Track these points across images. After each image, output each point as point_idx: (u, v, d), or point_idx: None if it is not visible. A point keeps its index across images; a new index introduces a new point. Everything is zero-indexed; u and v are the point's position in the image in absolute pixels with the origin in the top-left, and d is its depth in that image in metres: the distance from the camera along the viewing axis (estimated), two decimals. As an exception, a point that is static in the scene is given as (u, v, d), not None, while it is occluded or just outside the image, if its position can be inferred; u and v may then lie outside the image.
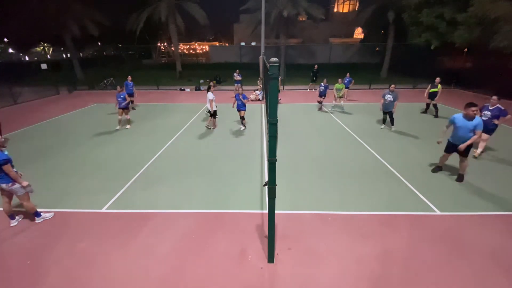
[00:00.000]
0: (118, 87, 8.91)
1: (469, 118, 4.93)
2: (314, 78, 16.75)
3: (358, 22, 23.57)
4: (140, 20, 21.22)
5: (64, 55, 33.12)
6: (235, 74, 14.55)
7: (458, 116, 5.10)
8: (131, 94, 10.90)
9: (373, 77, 17.84)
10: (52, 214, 4.44)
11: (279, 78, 10.94)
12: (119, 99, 8.68)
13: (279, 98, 10.52)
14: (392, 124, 8.75)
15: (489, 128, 6.15)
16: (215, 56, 31.27)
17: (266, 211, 3.55)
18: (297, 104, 13.10)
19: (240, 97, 8.50)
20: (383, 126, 9.03)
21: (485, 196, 4.91)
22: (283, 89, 16.93)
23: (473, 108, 4.85)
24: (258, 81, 15.07)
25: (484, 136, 6.26)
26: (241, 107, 8.66)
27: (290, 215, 4.41)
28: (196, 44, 47.98)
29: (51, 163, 6.48)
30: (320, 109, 11.69)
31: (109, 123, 9.53)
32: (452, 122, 5.22)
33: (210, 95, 8.46)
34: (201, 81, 18.71)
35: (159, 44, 35.88)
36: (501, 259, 3.46)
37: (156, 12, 20.87)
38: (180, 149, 7.34)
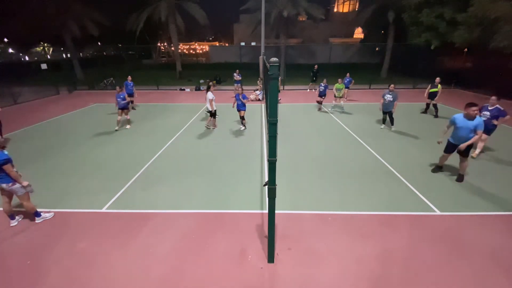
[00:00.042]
0: (118, 88, 8.91)
1: (470, 118, 4.92)
2: (314, 78, 16.76)
3: (358, 22, 23.59)
4: (140, 20, 21.23)
5: (64, 55, 33.14)
6: (235, 74, 14.55)
7: (459, 116, 5.10)
8: (131, 94, 10.90)
9: (373, 77, 17.84)
10: (52, 214, 4.44)
11: (279, 78, 10.94)
12: (118, 99, 8.68)
13: (279, 98, 10.52)
14: (392, 124, 8.75)
15: (488, 128, 6.15)
16: (215, 56, 31.27)
17: (266, 211, 3.55)
18: (297, 104, 13.10)
19: (240, 97, 8.50)
20: (383, 126, 9.03)
21: (485, 196, 4.91)
22: (283, 89, 16.93)
23: (474, 108, 4.85)
24: (258, 81, 15.07)
25: (483, 136, 6.26)
26: (241, 107, 8.66)
27: (290, 215, 4.41)
28: (196, 44, 48.00)
29: (51, 163, 6.48)
30: (319, 109, 11.68)
31: (109, 123, 9.53)
32: (452, 122, 5.21)
33: (209, 95, 8.47)
34: (201, 81, 18.71)
35: (159, 44, 35.90)
36: (501, 259, 3.46)
37: (156, 12, 20.88)
38: (180, 149, 7.34)
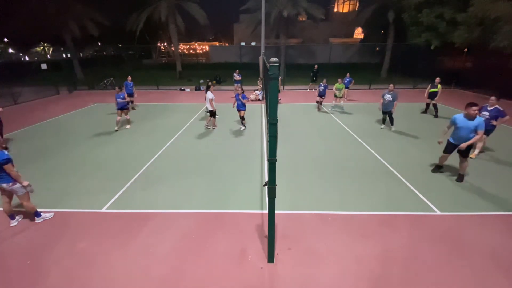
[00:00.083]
0: (117, 88, 8.91)
1: (470, 118, 4.92)
2: (314, 78, 16.76)
3: (358, 22, 23.58)
4: (140, 20, 21.23)
5: (64, 55, 33.10)
6: (235, 74, 14.55)
7: (459, 116, 5.09)
8: (131, 94, 10.90)
9: (373, 77, 17.84)
10: (52, 214, 4.44)
11: (279, 78, 10.94)
12: (118, 99, 8.68)
13: (279, 98, 10.52)
14: (392, 124, 8.75)
15: (487, 128, 6.14)
16: (215, 56, 31.28)
17: (266, 211, 3.55)
18: (297, 104, 13.10)
19: (240, 97, 8.50)
20: (383, 126, 9.03)
21: (485, 196, 4.91)
22: (283, 89, 16.93)
23: (474, 108, 4.84)
24: (258, 81, 15.07)
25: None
26: (240, 107, 8.66)
27: (290, 215, 4.41)
28: (196, 44, 47.96)
29: (51, 163, 6.48)
30: (318, 109, 11.67)
31: (109, 123, 9.53)
32: (453, 123, 5.21)
33: (209, 95, 8.47)
34: (201, 81, 18.72)
35: (159, 44, 35.87)
36: (501, 259, 3.46)
37: (156, 12, 20.89)
38: (180, 149, 7.34)
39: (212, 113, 8.80)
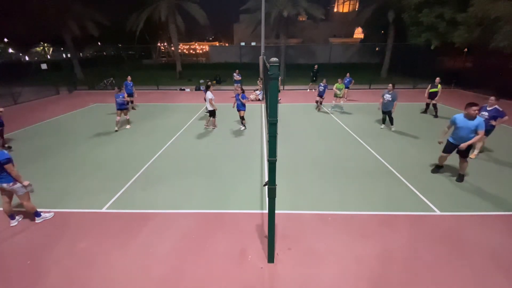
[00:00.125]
0: (116, 88, 8.92)
1: (470, 117, 4.92)
2: (314, 78, 16.77)
3: (358, 22, 23.59)
4: (140, 20, 21.24)
5: (64, 55, 33.10)
6: (234, 74, 14.55)
7: (459, 116, 5.09)
8: (130, 94, 10.90)
9: (373, 77, 17.84)
10: (52, 214, 4.44)
11: (279, 78, 10.94)
12: (117, 99, 8.68)
13: (279, 98, 10.52)
14: (392, 124, 8.74)
15: (486, 128, 6.14)
16: (215, 56, 31.30)
17: (266, 211, 3.55)
18: (297, 104, 13.10)
19: (240, 97, 8.50)
20: (383, 126, 9.03)
21: (485, 196, 4.91)
22: (283, 89, 16.93)
23: (474, 108, 4.84)
24: (258, 81, 15.07)
25: None
26: (240, 107, 8.66)
27: (290, 215, 4.41)
28: (196, 44, 47.98)
29: (51, 163, 6.48)
30: (318, 109, 11.66)
31: (109, 123, 9.53)
32: (453, 122, 5.21)
33: (209, 95, 8.47)
34: (201, 81, 18.72)
35: (159, 44, 35.87)
36: (501, 259, 3.46)
37: (156, 12, 20.89)
38: (180, 149, 7.34)
39: (212, 113, 8.80)
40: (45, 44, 30.97)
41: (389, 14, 18.88)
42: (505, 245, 3.70)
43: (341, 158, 6.65)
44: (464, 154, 5.22)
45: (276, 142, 2.75)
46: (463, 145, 5.00)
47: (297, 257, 3.52)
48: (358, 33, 34.28)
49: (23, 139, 8.28)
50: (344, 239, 3.85)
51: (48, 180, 5.66)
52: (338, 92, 11.43)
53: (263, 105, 12.32)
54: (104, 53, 33.15)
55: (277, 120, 2.67)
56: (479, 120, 4.91)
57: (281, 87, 16.44)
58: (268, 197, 3.03)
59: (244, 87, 9.67)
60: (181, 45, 36.69)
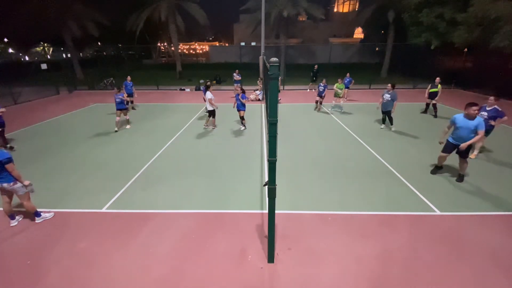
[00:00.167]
0: (115, 88, 8.92)
1: (470, 118, 4.92)
2: (314, 78, 16.77)
3: (358, 22, 23.60)
4: (140, 20, 21.24)
5: (64, 55, 33.09)
6: (234, 74, 14.55)
7: (459, 116, 5.09)
8: (130, 94, 10.91)
9: (373, 77, 17.85)
10: (52, 214, 4.44)
11: (279, 78, 10.94)
12: (117, 99, 8.68)
13: (279, 98, 10.52)
14: (391, 123, 8.74)
15: (485, 129, 6.15)
16: (215, 56, 31.33)
17: (266, 211, 3.55)
18: (297, 104, 13.11)
19: (240, 97, 8.50)
20: (383, 126, 9.03)
21: (485, 196, 4.91)
22: (283, 89, 16.93)
23: (474, 108, 4.84)
24: (258, 81, 15.08)
25: None
26: (240, 107, 8.66)
27: (290, 215, 4.41)
28: (196, 44, 47.98)
29: (51, 163, 6.48)
30: (318, 109, 11.66)
31: (109, 123, 9.53)
32: (453, 122, 5.21)
33: (209, 94, 8.47)
34: (201, 81, 18.71)
35: (159, 44, 35.89)
36: (501, 259, 3.46)
37: (156, 12, 20.90)
38: (180, 149, 7.34)
39: (212, 113, 8.80)
40: (45, 44, 30.97)
41: (389, 14, 18.89)
42: (505, 245, 3.70)
43: (341, 158, 6.65)
44: (464, 155, 5.22)
45: (276, 142, 2.75)
46: (463, 145, 5.00)
47: (297, 257, 3.52)
48: (358, 33, 34.32)
49: (23, 139, 8.28)
50: (344, 239, 3.85)
51: (48, 180, 5.66)
52: (339, 91, 11.42)
53: (263, 105, 12.32)
54: (104, 53, 33.15)
55: (277, 120, 2.67)
56: (479, 120, 4.91)
57: (281, 87, 16.43)
58: (268, 197, 3.03)
59: (244, 87, 9.67)
60: (181, 45, 36.69)
